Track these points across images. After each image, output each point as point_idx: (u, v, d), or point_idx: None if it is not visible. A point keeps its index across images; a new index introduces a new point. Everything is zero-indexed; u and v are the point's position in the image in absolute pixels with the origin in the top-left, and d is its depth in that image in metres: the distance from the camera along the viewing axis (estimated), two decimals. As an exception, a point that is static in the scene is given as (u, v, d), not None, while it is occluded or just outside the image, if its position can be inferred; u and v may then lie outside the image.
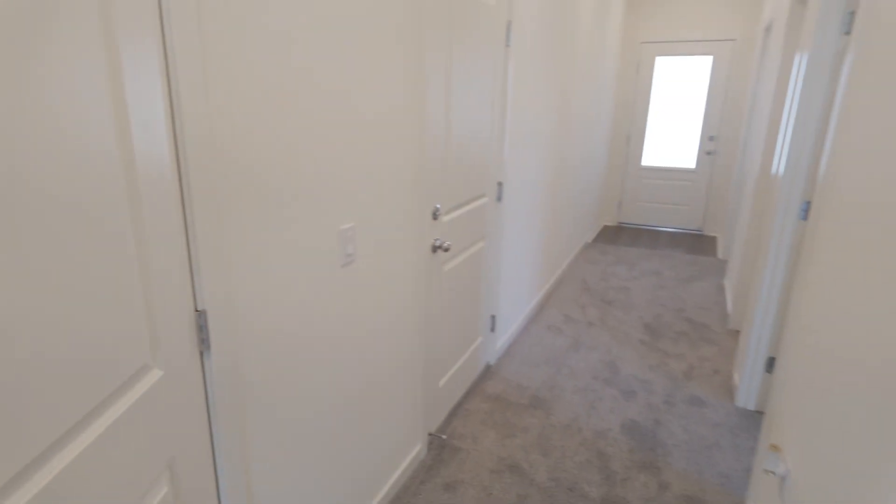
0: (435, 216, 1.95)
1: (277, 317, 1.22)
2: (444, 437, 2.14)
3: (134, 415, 0.87)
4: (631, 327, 3.28)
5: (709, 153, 5.58)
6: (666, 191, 5.83)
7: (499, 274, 2.71)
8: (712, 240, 5.50)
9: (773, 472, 1.42)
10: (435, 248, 1.97)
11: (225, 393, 1.10)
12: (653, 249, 5.05)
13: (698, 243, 5.32)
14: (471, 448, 2.14)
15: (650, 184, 5.86)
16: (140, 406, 0.88)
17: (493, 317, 2.71)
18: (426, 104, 1.74)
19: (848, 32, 2.08)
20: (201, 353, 1.05)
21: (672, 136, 5.73)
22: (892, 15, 1.18)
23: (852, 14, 2.06)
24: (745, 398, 2.44)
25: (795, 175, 2.22)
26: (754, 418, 2.35)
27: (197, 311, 1.03)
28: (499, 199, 2.58)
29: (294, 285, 1.25)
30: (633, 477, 1.99)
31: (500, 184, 2.56)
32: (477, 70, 2.13)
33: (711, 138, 5.54)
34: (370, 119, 1.46)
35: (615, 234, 5.62)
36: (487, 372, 2.72)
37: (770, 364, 2.37)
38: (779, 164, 2.35)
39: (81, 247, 0.72)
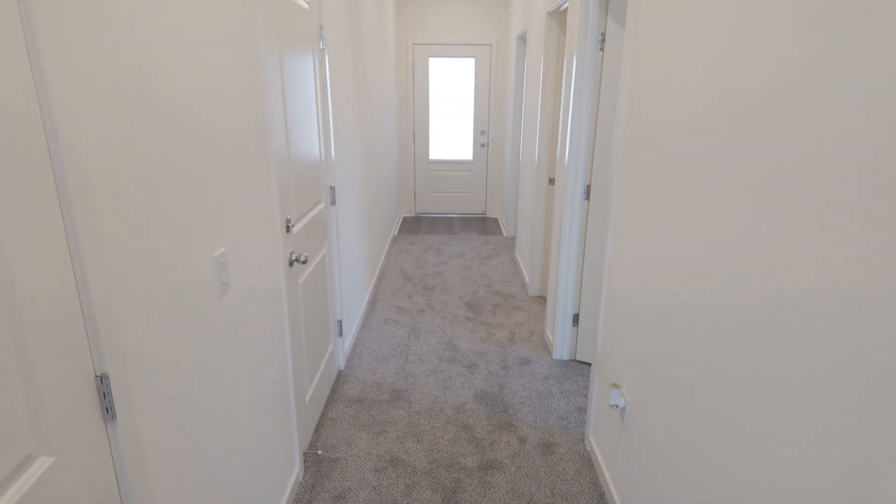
0: (288, 228, 1.87)
1: (165, 366, 1.07)
2: (318, 452, 2.08)
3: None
4: (455, 307, 3.60)
5: (482, 145, 6.31)
6: (452, 181, 6.40)
7: (341, 277, 2.71)
8: (495, 220, 6.26)
9: (616, 406, 1.79)
10: (292, 262, 1.89)
11: (133, 465, 0.93)
12: (451, 235, 5.53)
13: (485, 225, 6.01)
14: (347, 455, 2.13)
15: (438, 175, 6.37)
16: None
17: (339, 322, 2.70)
18: (267, 111, 1.65)
19: (602, 49, 2.62)
20: (105, 424, 0.88)
21: (452, 131, 6.30)
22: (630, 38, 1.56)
23: (603, 34, 2.61)
24: (560, 351, 2.93)
25: (577, 164, 2.73)
26: (571, 366, 2.85)
27: (97, 375, 0.86)
28: (333, 202, 2.56)
29: (177, 326, 1.10)
30: (497, 439, 2.25)
31: (332, 188, 2.54)
32: (302, 75, 2.08)
33: (483, 132, 6.27)
34: (228, 134, 1.35)
35: (416, 224, 5.98)
36: (341, 377, 2.71)
37: (575, 319, 2.90)
38: (564, 155, 2.84)
39: None
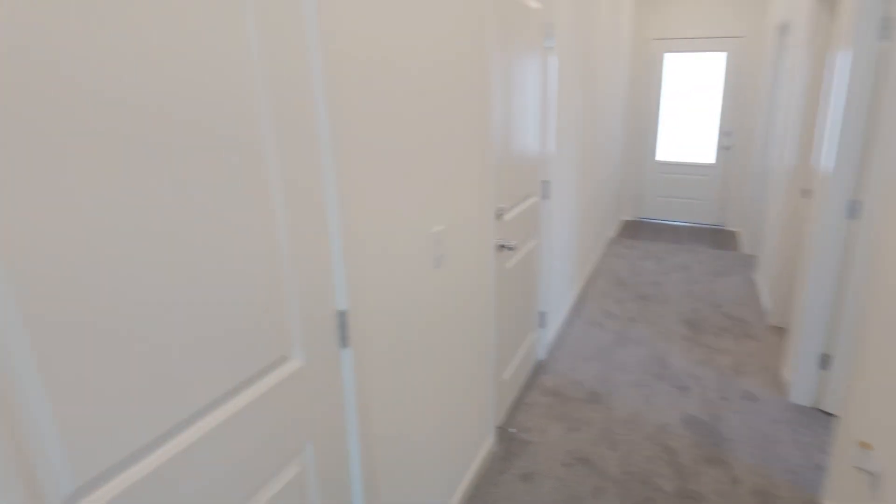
0: (499, 216, 1.96)
1: (387, 314, 1.24)
2: (512, 430, 2.16)
3: (269, 398, 0.90)
4: (671, 322, 3.31)
5: (726, 148, 5.61)
6: (682, 186, 5.85)
7: (548, 270, 2.73)
8: (733, 234, 5.53)
9: (864, 470, 1.44)
10: (500, 247, 1.98)
11: (359, 384, 1.11)
12: (677, 244, 5.08)
13: (720, 238, 5.35)
14: (539, 441, 2.16)
15: (666, 179, 5.89)
16: (276, 391, 0.91)
17: (542, 313, 2.73)
18: (489, 106, 1.73)
19: (886, 38, 2.08)
20: (339, 349, 1.07)
21: (687, 132, 5.75)
22: None
23: (887, 20, 2.07)
24: (799, 394, 2.47)
25: (844, 174, 2.24)
26: (812, 415, 2.38)
27: (338, 311, 1.04)
28: (546, 197, 2.59)
29: (401, 284, 1.28)
30: (703, 471, 2.01)
31: (546, 182, 2.57)
32: (526, 72, 2.13)
33: (728, 133, 5.57)
34: (452, 124, 1.49)
35: (636, 229, 5.65)
36: (539, 367, 2.74)
37: (824, 361, 2.40)
38: (824, 163, 2.36)
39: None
